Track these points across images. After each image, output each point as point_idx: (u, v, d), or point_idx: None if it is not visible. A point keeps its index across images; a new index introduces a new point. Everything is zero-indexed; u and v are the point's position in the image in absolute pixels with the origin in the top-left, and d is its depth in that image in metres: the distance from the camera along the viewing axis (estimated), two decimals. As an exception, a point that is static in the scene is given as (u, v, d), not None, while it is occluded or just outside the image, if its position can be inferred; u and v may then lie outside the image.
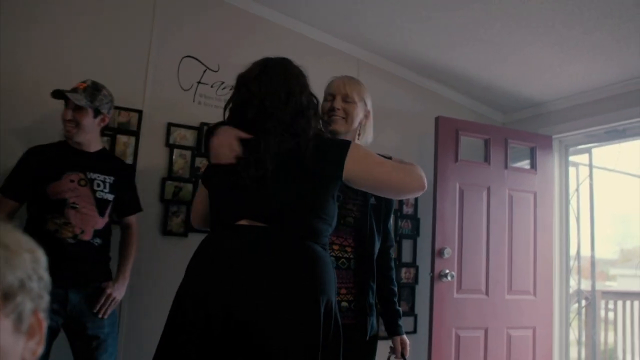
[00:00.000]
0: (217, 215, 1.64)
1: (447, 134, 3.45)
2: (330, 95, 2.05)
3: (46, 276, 0.74)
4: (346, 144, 1.62)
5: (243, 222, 1.53)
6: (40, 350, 0.73)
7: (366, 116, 2.09)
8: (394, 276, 2.16)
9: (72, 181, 2.28)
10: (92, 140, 2.39)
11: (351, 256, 1.97)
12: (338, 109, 2.00)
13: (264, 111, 1.58)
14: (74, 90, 2.30)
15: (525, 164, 3.75)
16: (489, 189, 3.53)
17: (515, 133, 3.75)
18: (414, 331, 3.59)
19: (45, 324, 0.73)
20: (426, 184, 1.67)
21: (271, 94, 1.59)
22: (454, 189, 3.42)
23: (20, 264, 0.69)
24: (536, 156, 3.69)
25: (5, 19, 2.58)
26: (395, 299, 2.14)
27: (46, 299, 0.74)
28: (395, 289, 2.15)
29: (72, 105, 2.27)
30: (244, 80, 1.65)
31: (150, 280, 2.77)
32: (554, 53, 3.12)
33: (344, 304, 1.92)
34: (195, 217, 1.83)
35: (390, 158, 1.91)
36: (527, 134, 3.76)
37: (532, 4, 2.66)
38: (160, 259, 2.83)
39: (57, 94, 2.30)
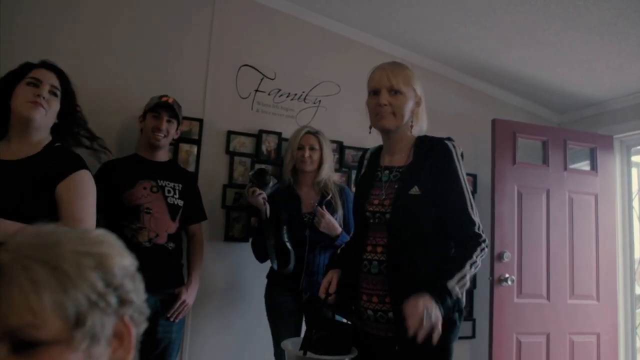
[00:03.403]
0: None
1: (504, 136, 3.41)
2: (373, 91, 1.80)
3: (126, 281, 0.71)
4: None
5: None
6: (130, 357, 0.71)
7: (417, 103, 1.82)
8: (451, 270, 1.59)
9: (145, 188, 2.39)
10: (165, 150, 2.55)
11: (383, 258, 1.70)
12: (385, 105, 1.75)
13: None
14: (169, 103, 2.47)
15: (585, 165, 3.66)
16: (548, 192, 3.46)
17: (574, 134, 3.66)
18: (473, 336, 3.54)
19: (134, 329, 0.71)
20: None
21: None
22: (512, 192, 3.37)
23: (84, 287, 0.66)
24: (597, 157, 3.59)
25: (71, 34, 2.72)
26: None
27: (136, 301, 0.72)
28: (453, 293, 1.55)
29: (166, 117, 2.46)
30: None
31: (212, 285, 2.82)
32: (616, 51, 3.04)
33: (380, 313, 1.69)
34: None
35: None
36: (586, 135, 3.67)
37: (592, 2, 2.60)
38: (224, 264, 2.88)
39: (162, 105, 2.46)
